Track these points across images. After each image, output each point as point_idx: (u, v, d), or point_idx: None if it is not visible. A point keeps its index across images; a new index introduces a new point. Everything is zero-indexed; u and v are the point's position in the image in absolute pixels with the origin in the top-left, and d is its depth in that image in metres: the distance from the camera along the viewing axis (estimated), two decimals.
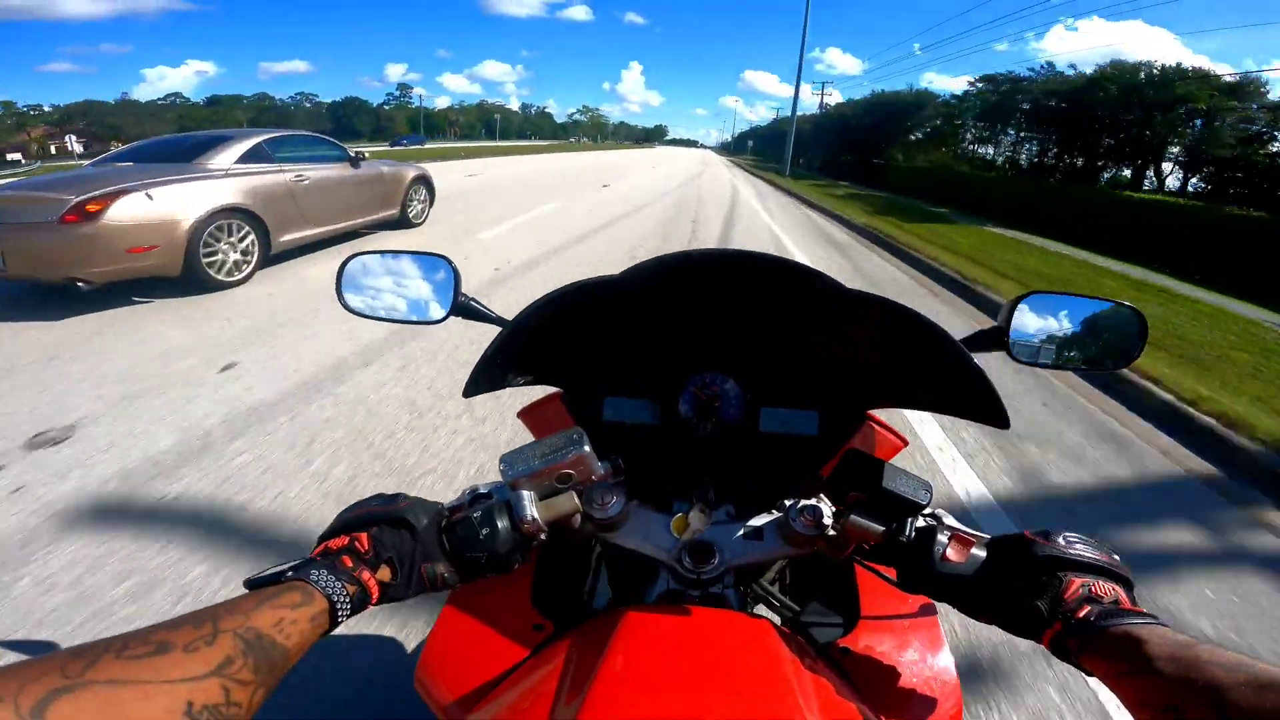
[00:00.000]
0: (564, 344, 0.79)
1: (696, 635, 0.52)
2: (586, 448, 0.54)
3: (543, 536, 0.54)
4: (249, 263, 5.15)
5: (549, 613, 0.69)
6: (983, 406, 0.69)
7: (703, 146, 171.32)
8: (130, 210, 4.45)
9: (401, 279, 0.94)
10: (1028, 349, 0.77)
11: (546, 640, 0.65)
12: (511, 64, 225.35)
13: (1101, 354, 0.81)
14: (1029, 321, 0.77)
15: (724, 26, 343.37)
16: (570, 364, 0.83)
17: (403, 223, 7.48)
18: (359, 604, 0.47)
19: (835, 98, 51.30)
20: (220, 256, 4.89)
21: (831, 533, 0.56)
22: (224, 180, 5.00)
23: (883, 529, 0.54)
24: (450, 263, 0.89)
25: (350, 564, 0.48)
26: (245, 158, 5.35)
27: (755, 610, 0.69)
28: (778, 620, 0.70)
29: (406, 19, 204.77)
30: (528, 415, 0.88)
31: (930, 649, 0.65)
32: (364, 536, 0.50)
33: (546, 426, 0.84)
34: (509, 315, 0.76)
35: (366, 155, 6.68)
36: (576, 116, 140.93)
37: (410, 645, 1.54)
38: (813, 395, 0.79)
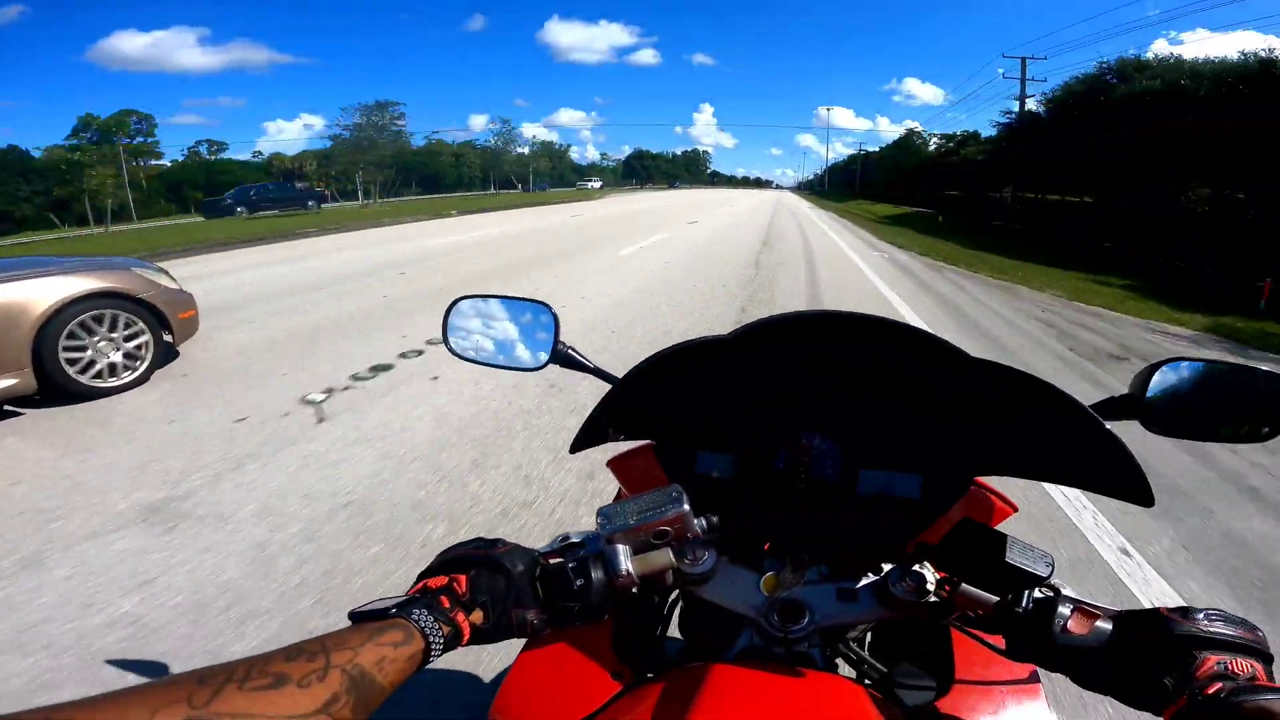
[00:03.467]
0: (660, 398, 0.81)
1: (786, 696, 0.53)
2: (686, 506, 0.56)
3: (634, 590, 0.55)
4: None
5: (628, 660, 0.70)
6: (1118, 480, 0.67)
7: (778, 187, 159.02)
8: None
9: (503, 324, 0.99)
10: (1165, 418, 0.76)
11: (626, 688, 0.66)
12: (586, 110, 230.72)
13: (1244, 424, 0.78)
14: (1165, 389, 0.76)
15: (793, 63, 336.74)
16: (664, 417, 0.84)
17: (59, 393, 3.74)
18: (451, 644, 0.49)
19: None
20: None
21: (934, 599, 0.57)
22: None
23: (995, 599, 0.55)
24: (551, 309, 0.94)
25: (447, 604, 0.50)
26: None
27: (840, 670, 0.68)
28: (865, 681, 0.70)
29: (485, 70, 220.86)
30: (618, 464, 0.88)
31: (1032, 717, 0.64)
32: (462, 579, 0.52)
33: (636, 477, 0.85)
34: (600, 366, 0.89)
35: None
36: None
37: (486, 676, 1.56)
38: (916, 458, 0.78)
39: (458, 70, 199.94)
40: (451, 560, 0.54)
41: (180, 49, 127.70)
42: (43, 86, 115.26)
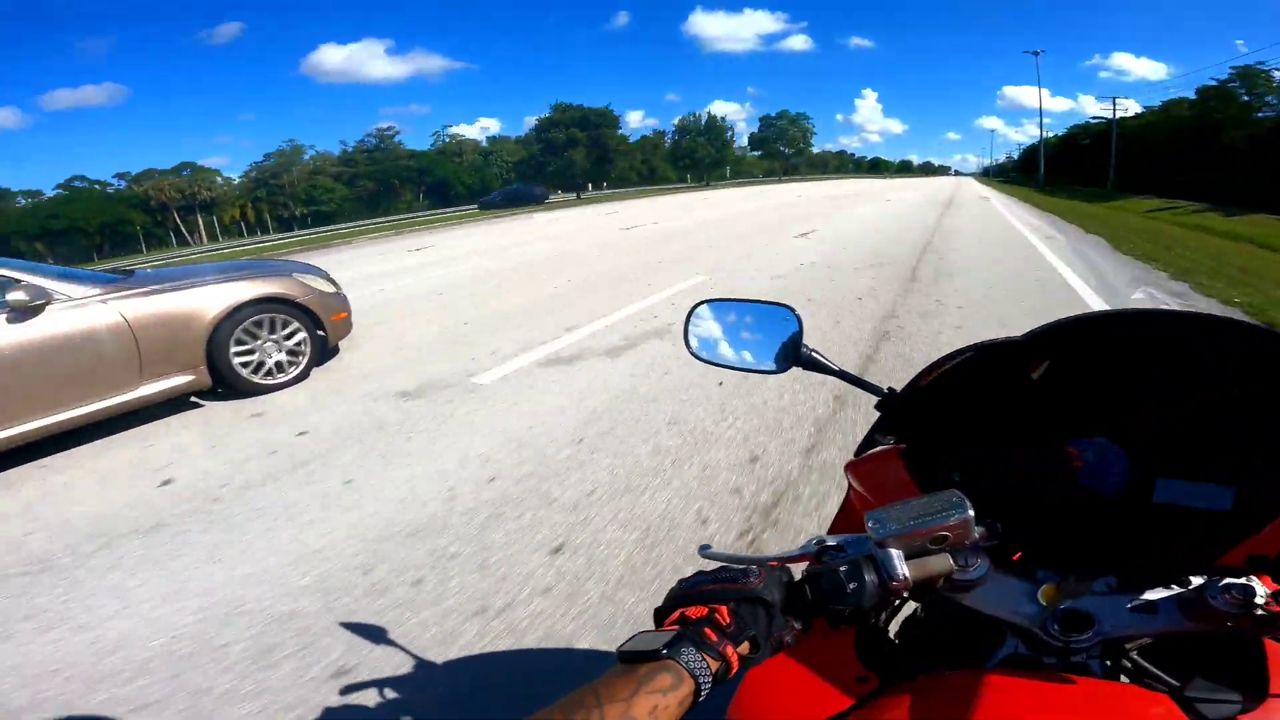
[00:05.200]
0: (922, 401, 0.82)
1: (1086, 708, 0.52)
2: (970, 512, 0.55)
3: (906, 594, 0.56)
4: None
5: (872, 665, 0.70)
6: None
7: (957, 173, 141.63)
8: None
9: (745, 327, 1.01)
10: None
11: (873, 693, 0.65)
12: (739, 101, 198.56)
13: None
14: None
15: (969, 43, 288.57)
16: (921, 419, 0.84)
17: (230, 388, 4.15)
18: (719, 679, 0.48)
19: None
20: None
21: (1261, 612, 0.55)
22: None
23: None
24: (794, 312, 0.95)
25: (714, 637, 0.48)
26: None
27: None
28: None
29: (635, 65, 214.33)
30: (858, 469, 0.88)
31: None
32: (724, 610, 0.51)
33: (880, 482, 0.84)
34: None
35: (60, 293, 3.50)
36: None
37: None
38: (1227, 465, 0.72)
39: (610, 67, 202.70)
40: (708, 594, 0.53)
41: (371, 60, 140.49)
42: (263, 100, 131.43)
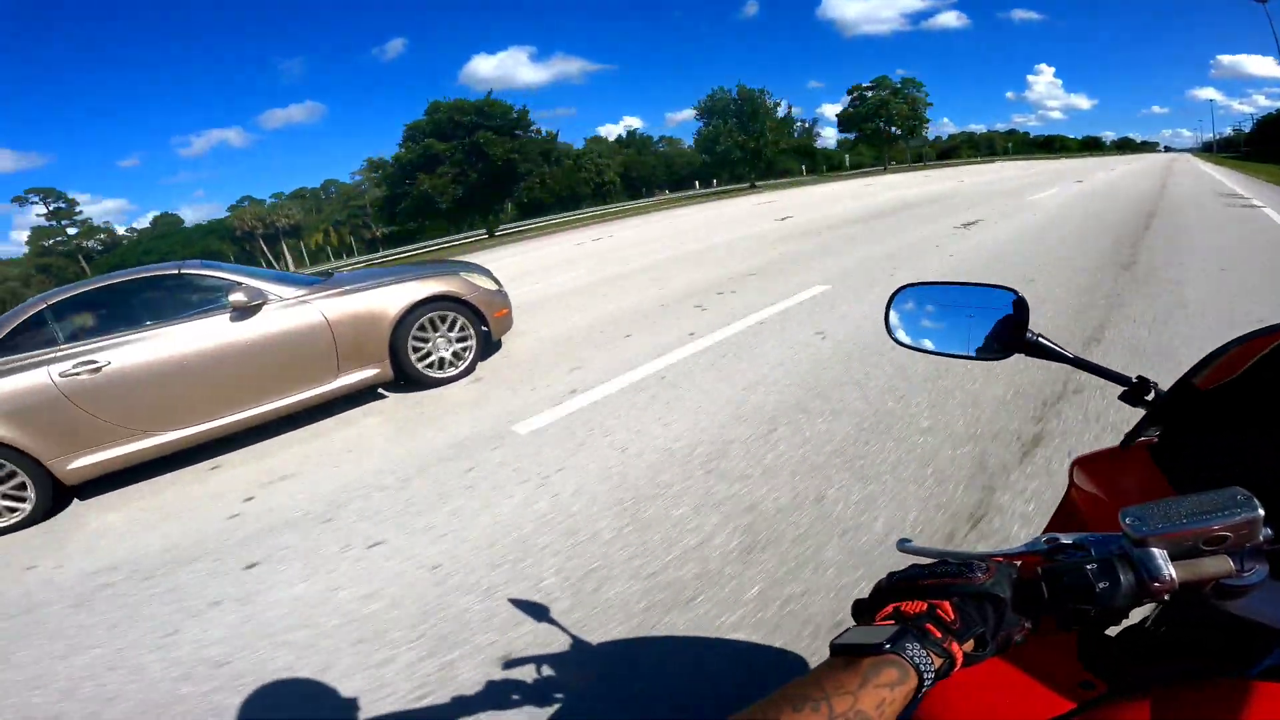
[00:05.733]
0: (1198, 394, 0.79)
1: None
2: (1260, 511, 0.51)
3: (1165, 598, 0.52)
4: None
5: (1097, 669, 0.67)
6: None
7: (1167, 149, 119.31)
8: None
9: (956, 311, 0.94)
10: None
11: (1097, 700, 0.61)
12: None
13: None
14: None
15: (1162, 11, 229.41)
16: (1190, 413, 0.78)
17: (408, 381, 4.52)
18: (941, 675, 0.46)
19: None
20: None
21: None
22: None
23: None
24: (1018, 294, 0.88)
25: (938, 633, 0.47)
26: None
27: None
28: None
29: (775, 54, 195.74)
30: (1088, 466, 0.84)
31: None
32: (947, 605, 0.49)
33: (1119, 480, 0.80)
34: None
35: (274, 294, 4.00)
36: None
37: None
38: None
39: (746, 57, 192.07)
40: (924, 586, 0.51)
41: (518, 67, 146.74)
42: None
